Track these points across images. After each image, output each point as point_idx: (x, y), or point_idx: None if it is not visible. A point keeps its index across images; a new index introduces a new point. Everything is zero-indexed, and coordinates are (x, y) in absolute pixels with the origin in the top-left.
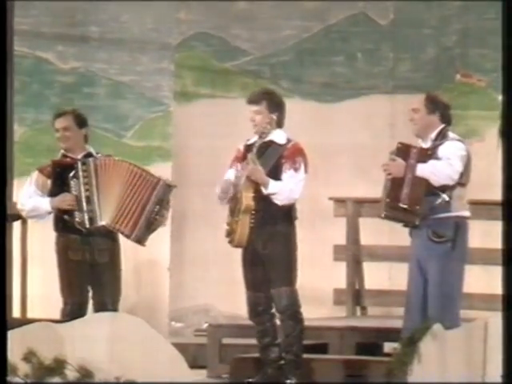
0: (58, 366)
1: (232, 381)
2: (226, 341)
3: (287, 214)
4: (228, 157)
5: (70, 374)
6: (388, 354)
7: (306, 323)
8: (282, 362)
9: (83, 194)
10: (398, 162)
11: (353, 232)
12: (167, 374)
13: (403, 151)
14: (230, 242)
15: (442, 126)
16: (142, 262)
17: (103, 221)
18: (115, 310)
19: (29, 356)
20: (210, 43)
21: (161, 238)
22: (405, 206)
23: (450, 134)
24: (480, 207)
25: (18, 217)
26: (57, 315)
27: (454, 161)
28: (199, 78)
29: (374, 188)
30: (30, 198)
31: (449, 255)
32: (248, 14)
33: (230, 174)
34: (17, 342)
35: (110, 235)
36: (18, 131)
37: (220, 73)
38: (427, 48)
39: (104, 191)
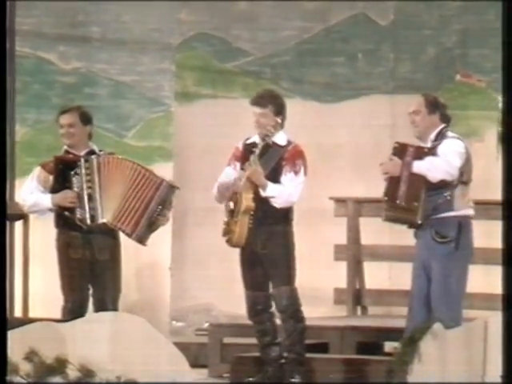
0: (60, 365)
1: (233, 380)
2: (227, 340)
3: (285, 214)
4: (229, 157)
5: (72, 373)
6: (388, 354)
7: (307, 322)
8: (283, 361)
9: (85, 191)
10: (394, 161)
11: (353, 232)
12: (168, 374)
13: (400, 150)
14: (228, 241)
15: (442, 125)
16: (144, 261)
17: (104, 218)
18: (115, 307)
19: (30, 355)
20: (211, 43)
21: (162, 237)
22: (402, 204)
23: (450, 134)
24: (480, 207)
25: (20, 216)
26: (58, 315)
27: (451, 156)
28: (200, 78)
29: (375, 188)
30: (31, 193)
31: (452, 255)
32: (249, 15)
33: (228, 173)
34: (18, 342)
35: (110, 233)
36: (20, 131)
37: (221, 73)
38: (427, 48)
39: (106, 189)
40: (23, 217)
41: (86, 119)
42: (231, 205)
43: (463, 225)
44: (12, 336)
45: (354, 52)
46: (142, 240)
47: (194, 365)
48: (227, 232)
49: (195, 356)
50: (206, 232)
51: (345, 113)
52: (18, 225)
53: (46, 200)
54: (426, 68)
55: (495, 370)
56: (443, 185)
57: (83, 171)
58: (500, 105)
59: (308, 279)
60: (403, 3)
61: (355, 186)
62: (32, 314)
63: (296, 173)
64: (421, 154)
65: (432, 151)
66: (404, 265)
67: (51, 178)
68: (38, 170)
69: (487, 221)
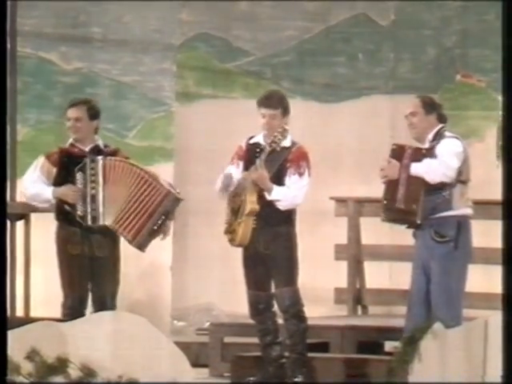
0: (61, 364)
1: (233, 379)
2: (227, 339)
3: (288, 215)
4: (229, 157)
5: (73, 372)
6: (389, 353)
7: (307, 322)
8: (284, 360)
9: (89, 192)
10: (392, 164)
11: (354, 231)
12: (169, 373)
13: (398, 152)
14: (231, 241)
15: (439, 126)
16: (145, 261)
17: (106, 221)
18: (113, 303)
19: (32, 355)
20: (212, 44)
21: None
22: (401, 207)
23: (447, 133)
24: (480, 207)
25: (21, 216)
26: (60, 314)
27: (449, 158)
28: (201, 78)
29: (375, 188)
30: (33, 182)
31: (451, 255)
32: (250, 15)
33: (230, 171)
34: (20, 341)
35: (109, 230)
36: (21, 131)
37: (222, 73)
38: (428, 49)
39: (110, 192)
40: (24, 216)
41: (93, 114)
42: (234, 205)
43: (462, 224)
44: (13, 335)
45: (355, 52)
46: (141, 247)
47: (195, 364)
48: (230, 231)
49: (196, 355)
50: (207, 232)
51: (345, 113)
52: (20, 224)
53: (48, 192)
54: (427, 68)
55: (495, 369)
56: (442, 185)
57: (88, 171)
58: (500, 104)
59: (309, 279)
60: (403, 3)
61: (356, 185)
62: (33, 314)
63: (300, 175)
64: (419, 155)
65: (430, 152)
66: (404, 264)
67: (55, 170)
68: (42, 161)
69: (487, 221)
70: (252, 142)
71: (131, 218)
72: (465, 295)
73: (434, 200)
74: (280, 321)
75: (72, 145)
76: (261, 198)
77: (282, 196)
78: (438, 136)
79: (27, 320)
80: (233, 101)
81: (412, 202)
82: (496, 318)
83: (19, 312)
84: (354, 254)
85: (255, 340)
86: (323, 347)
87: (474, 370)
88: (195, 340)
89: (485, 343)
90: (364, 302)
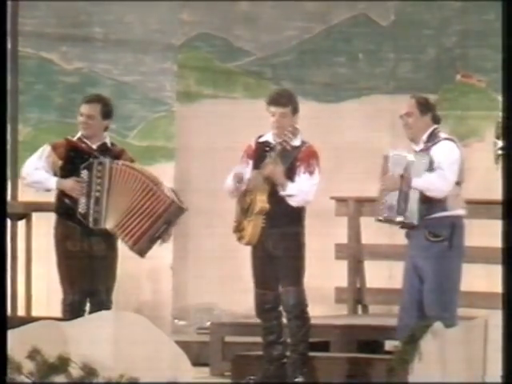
0: (62, 363)
1: (234, 378)
2: (228, 339)
3: (298, 215)
4: (230, 156)
5: (74, 371)
6: (389, 352)
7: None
8: (285, 360)
9: (93, 194)
10: (393, 176)
11: (354, 231)
12: (170, 372)
13: (399, 162)
14: (240, 239)
15: (434, 126)
16: (145, 260)
17: (107, 225)
18: (109, 299)
19: (33, 354)
20: (213, 44)
21: None
22: (401, 219)
23: (442, 134)
24: (480, 207)
25: (22, 215)
26: (61, 313)
27: (448, 170)
28: (202, 78)
29: (375, 188)
30: (36, 169)
31: (446, 254)
32: (250, 15)
33: (240, 170)
34: (21, 340)
35: None
36: (23, 131)
37: (223, 73)
38: (428, 49)
39: (114, 196)
40: (26, 216)
41: (106, 113)
42: (244, 204)
43: (456, 224)
44: (15, 335)
45: (355, 52)
46: (142, 253)
47: (196, 363)
48: (239, 230)
49: (197, 354)
50: (208, 231)
51: (346, 113)
52: (21, 224)
53: (52, 182)
54: (427, 68)
55: (495, 368)
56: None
57: (95, 173)
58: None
59: (309, 278)
60: (404, 4)
61: (356, 185)
62: (35, 313)
63: (311, 173)
64: (420, 167)
65: (426, 153)
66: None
67: (60, 162)
68: (47, 151)
69: (487, 220)
70: (261, 140)
71: (133, 224)
72: (465, 294)
73: (429, 202)
74: (284, 320)
75: (80, 139)
76: (271, 196)
77: (296, 191)
78: (433, 137)
79: (28, 319)
80: (233, 101)
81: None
82: (496, 318)
83: (20, 311)
84: (355, 254)
85: (256, 339)
86: (323, 346)
87: (473, 369)
88: (196, 339)
89: (485, 342)
90: (364, 302)
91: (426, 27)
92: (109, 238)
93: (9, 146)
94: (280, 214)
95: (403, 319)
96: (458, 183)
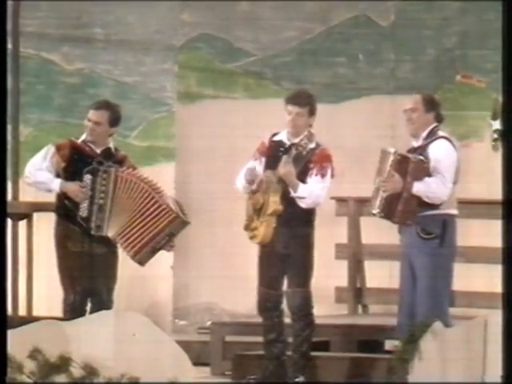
0: (63, 363)
1: (234, 378)
2: (229, 338)
3: (308, 216)
4: (230, 157)
5: (75, 371)
6: (389, 352)
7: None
8: (284, 357)
9: (97, 201)
10: (395, 179)
11: (354, 231)
12: (171, 371)
13: (401, 165)
14: (252, 238)
15: (434, 124)
16: None
17: (109, 233)
18: (110, 299)
19: (34, 353)
20: (213, 44)
21: None
22: (398, 222)
23: (440, 132)
24: (480, 206)
25: (24, 215)
26: (62, 313)
27: (447, 176)
28: (202, 78)
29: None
30: (40, 170)
31: (437, 251)
32: (251, 16)
33: (253, 166)
34: (22, 340)
35: None
36: (24, 132)
37: (223, 73)
38: (428, 49)
39: (118, 205)
40: (27, 216)
41: (114, 121)
42: (256, 203)
43: (448, 223)
44: (16, 334)
45: (355, 53)
46: (142, 262)
47: (197, 363)
48: (251, 229)
49: (197, 354)
50: (209, 231)
51: (346, 113)
52: (22, 224)
53: (55, 183)
54: (427, 68)
55: (495, 368)
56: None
57: (99, 180)
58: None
59: None
60: (404, 4)
61: (356, 185)
62: (36, 313)
63: (323, 176)
64: (420, 171)
65: (422, 149)
66: None
67: (63, 164)
68: (51, 152)
69: (487, 220)
70: (275, 139)
71: (136, 235)
72: (465, 294)
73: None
74: (287, 319)
75: (84, 143)
76: (283, 197)
77: (307, 193)
78: (431, 134)
79: (30, 319)
80: (234, 101)
81: (408, 219)
82: (496, 317)
83: (22, 311)
84: (355, 253)
85: (256, 339)
86: (324, 346)
87: (473, 369)
88: (196, 339)
89: (484, 342)
90: (364, 301)
91: (426, 28)
92: (109, 238)
93: (10, 147)
94: (291, 215)
95: (400, 318)
96: (453, 183)
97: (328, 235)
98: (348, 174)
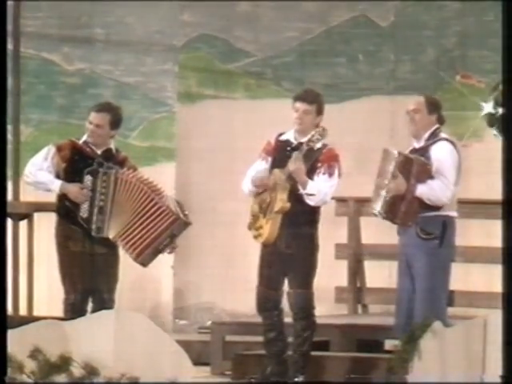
0: (64, 363)
1: (234, 377)
2: (229, 338)
3: (313, 215)
4: (231, 157)
5: (76, 371)
6: (389, 351)
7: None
8: (285, 356)
9: (97, 203)
10: (399, 182)
11: (354, 231)
12: (171, 371)
13: (405, 166)
14: (256, 237)
15: (436, 126)
16: None
17: (110, 234)
18: (112, 299)
19: (35, 353)
20: (214, 45)
21: None
22: (399, 223)
23: (442, 134)
24: (480, 207)
25: (24, 215)
26: (62, 313)
27: (450, 179)
28: (203, 79)
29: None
30: (40, 170)
31: (436, 252)
32: (251, 16)
33: (259, 166)
34: (23, 340)
35: None
36: (24, 132)
37: (223, 74)
38: (427, 49)
39: (118, 207)
40: (28, 216)
41: (115, 123)
42: (262, 201)
43: (448, 223)
44: (16, 334)
45: (355, 53)
46: (145, 264)
47: (197, 362)
48: (255, 228)
49: (198, 354)
50: (209, 231)
51: (346, 113)
52: (23, 224)
53: (55, 184)
54: (426, 69)
55: (494, 367)
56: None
57: (99, 182)
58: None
59: None
60: (403, 5)
61: (356, 185)
62: (36, 313)
63: (331, 175)
64: (425, 175)
65: (424, 150)
66: None
67: (63, 165)
68: (52, 152)
69: (487, 220)
70: (282, 138)
71: (137, 237)
72: (465, 294)
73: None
74: (288, 319)
75: (85, 143)
76: (290, 195)
77: (316, 191)
78: (433, 136)
79: (30, 319)
80: (234, 101)
81: (409, 220)
82: (495, 317)
83: (22, 311)
84: (355, 254)
85: (256, 338)
86: (323, 345)
87: (473, 368)
88: (197, 338)
89: (484, 342)
90: (364, 301)
91: (426, 28)
92: (110, 238)
93: (11, 147)
94: (297, 214)
95: (398, 318)
96: (454, 185)
97: (328, 235)
98: (348, 174)
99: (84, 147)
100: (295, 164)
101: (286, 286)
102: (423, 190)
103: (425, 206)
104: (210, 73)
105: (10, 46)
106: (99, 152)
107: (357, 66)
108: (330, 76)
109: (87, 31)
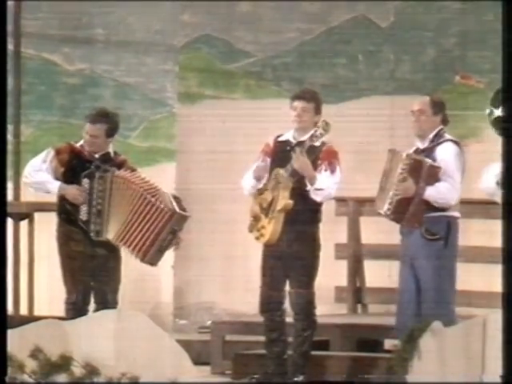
0: (65, 362)
1: (235, 377)
2: (229, 337)
3: (315, 214)
4: (231, 157)
5: (76, 370)
6: (388, 351)
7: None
8: (285, 356)
9: (95, 207)
10: (408, 184)
11: (354, 231)
12: (171, 371)
13: (414, 169)
14: (258, 238)
15: (441, 127)
16: None
17: (110, 237)
18: (115, 300)
19: (35, 353)
20: (214, 45)
21: None
22: (406, 225)
23: (446, 135)
24: (479, 206)
25: (25, 215)
26: (63, 312)
27: (457, 180)
28: (203, 79)
29: (375, 188)
30: (39, 171)
31: (441, 253)
32: (251, 17)
33: (259, 167)
34: (24, 339)
35: None
36: (25, 132)
37: (223, 74)
38: (427, 50)
39: (115, 210)
40: (28, 216)
41: (111, 132)
42: (263, 201)
43: (452, 224)
44: (17, 334)
45: (355, 53)
46: (153, 263)
47: (197, 362)
48: (257, 229)
49: (198, 353)
50: (209, 231)
51: (346, 113)
52: (24, 224)
53: (54, 186)
54: (426, 69)
55: (494, 367)
56: None
57: (96, 185)
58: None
59: None
60: (403, 5)
61: (356, 185)
62: (37, 312)
63: (332, 171)
64: (433, 178)
65: (429, 151)
66: None
67: (62, 169)
68: (51, 155)
69: (487, 220)
70: (281, 139)
71: (138, 237)
72: (464, 294)
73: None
74: (288, 318)
75: (83, 146)
76: (292, 193)
77: (326, 185)
78: (438, 137)
79: (31, 318)
80: (234, 101)
81: (416, 221)
82: (495, 317)
83: (23, 311)
84: (354, 253)
85: (257, 338)
86: (323, 345)
87: (472, 368)
88: (197, 338)
89: (484, 341)
90: (364, 301)
91: (426, 28)
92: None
93: (11, 147)
94: (299, 213)
95: (401, 318)
96: None
97: (328, 235)
98: (348, 174)
99: (82, 151)
100: (300, 160)
101: (287, 286)
102: (431, 193)
103: (431, 207)
104: (211, 73)
105: (10, 47)
106: (97, 156)
107: (357, 67)
108: (329, 76)
109: (88, 31)
